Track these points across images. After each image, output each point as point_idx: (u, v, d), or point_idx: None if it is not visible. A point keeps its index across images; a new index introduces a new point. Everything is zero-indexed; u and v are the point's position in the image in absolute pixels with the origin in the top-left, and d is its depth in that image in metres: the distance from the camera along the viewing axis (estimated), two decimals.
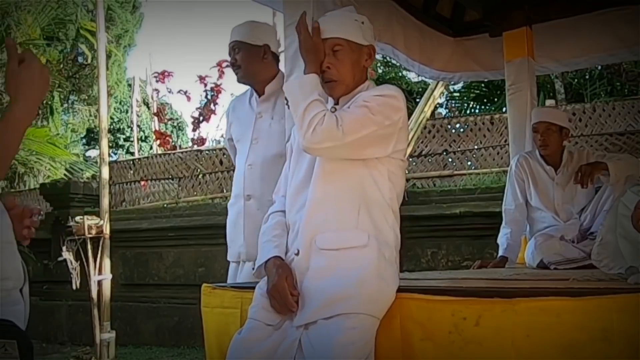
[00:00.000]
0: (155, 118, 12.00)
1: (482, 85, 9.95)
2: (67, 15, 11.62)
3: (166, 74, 9.71)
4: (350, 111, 1.79)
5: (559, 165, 3.30)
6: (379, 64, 11.62)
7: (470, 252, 4.82)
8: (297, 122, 1.82)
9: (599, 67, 8.92)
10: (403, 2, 3.49)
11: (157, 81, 10.10)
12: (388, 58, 9.44)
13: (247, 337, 1.75)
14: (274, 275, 1.78)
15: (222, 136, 11.82)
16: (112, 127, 17.73)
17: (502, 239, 3.29)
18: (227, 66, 7.42)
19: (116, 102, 17.92)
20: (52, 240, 6.29)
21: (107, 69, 9.12)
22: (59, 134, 12.23)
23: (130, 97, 16.28)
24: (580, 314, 1.57)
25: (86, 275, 4.75)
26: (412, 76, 11.54)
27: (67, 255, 4.83)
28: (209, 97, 8.58)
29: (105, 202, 4.88)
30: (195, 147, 9.34)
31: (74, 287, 4.91)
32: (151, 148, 15.79)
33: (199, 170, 8.70)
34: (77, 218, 4.82)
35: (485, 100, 10.28)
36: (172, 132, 17.18)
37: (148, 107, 16.21)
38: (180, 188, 8.79)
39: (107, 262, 4.81)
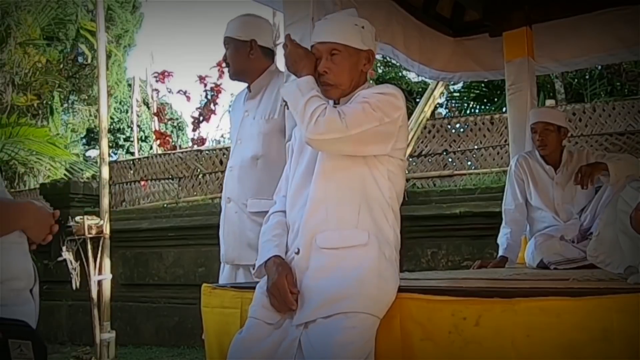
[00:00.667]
0: (155, 118, 11.99)
1: (482, 85, 9.94)
2: (67, 15, 11.64)
3: (166, 74, 9.69)
4: (352, 106, 1.78)
5: (559, 165, 3.30)
6: (379, 64, 11.61)
7: (470, 252, 4.82)
8: (298, 118, 1.80)
9: (599, 67, 8.90)
10: (403, 2, 3.49)
11: (157, 81, 10.08)
12: (388, 58, 9.42)
13: (247, 336, 1.75)
14: (274, 273, 1.78)
15: (222, 136, 11.85)
16: (112, 127, 17.71)
17: (502, 239, 3.30)
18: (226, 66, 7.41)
19: (116, 102, 17.91)
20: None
21: (107, 69, 9.14)
22: (59, 134, 12.25)
23: (130, 97, 16.26)
24: (580, 314, 1.57)
25: (86, 275, 4.75)
26: (412, 76, 11.54)
27: (67, 255, 4.83)
28: (209, 97, 8.58)
29: (105, 202, 4.89)
30: (195, 147, 9.33)
31: (74, 287, 4.91)
32: (151, 148, 15.77)
33: (199, 170, 8.69)
34: (77, 218, 4.82)
35: (485, 100, 10.27)
36: (172, 132, 17.14)
37: (148, 107, 16.19)
38: (180, 188, 8.77)
39: (107, 262, 4.82)
